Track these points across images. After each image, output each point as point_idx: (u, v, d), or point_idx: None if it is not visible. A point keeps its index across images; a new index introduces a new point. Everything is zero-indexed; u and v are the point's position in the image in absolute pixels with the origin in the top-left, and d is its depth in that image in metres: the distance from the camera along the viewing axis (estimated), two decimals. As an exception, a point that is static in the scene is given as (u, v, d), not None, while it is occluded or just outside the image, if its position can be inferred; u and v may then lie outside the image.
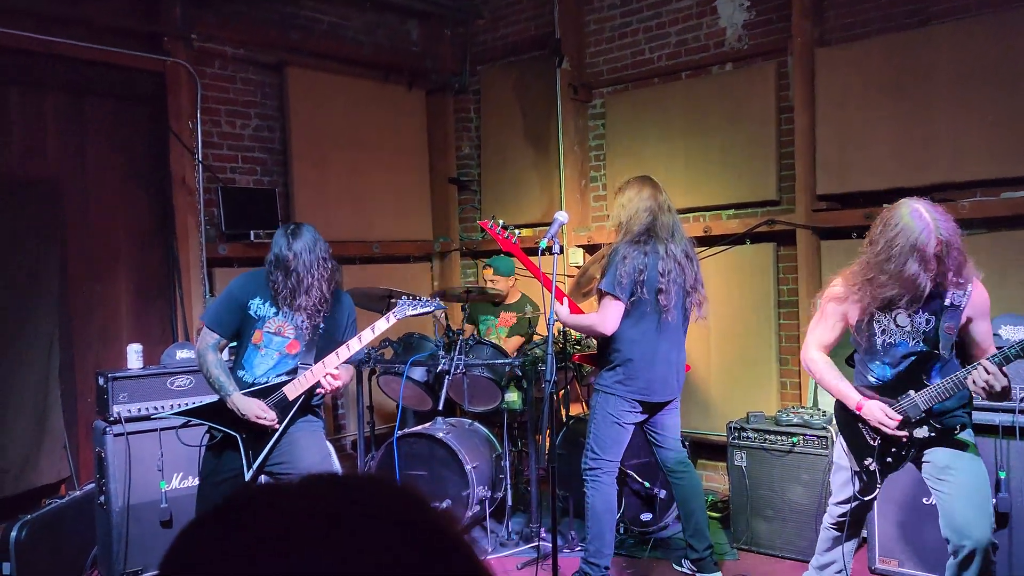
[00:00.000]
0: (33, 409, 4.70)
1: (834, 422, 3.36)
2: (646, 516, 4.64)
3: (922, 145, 4.60)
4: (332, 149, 6.06)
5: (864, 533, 4.21)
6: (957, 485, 2.97)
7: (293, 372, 3.42)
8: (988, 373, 2.82)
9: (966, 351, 3.12)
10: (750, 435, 4.43)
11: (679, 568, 4.25)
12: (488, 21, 6.69)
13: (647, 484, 4.60)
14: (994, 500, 3.68)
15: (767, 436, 4.38)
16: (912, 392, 3.03)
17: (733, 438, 4.51)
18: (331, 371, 3.36)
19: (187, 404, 4.02)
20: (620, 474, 4.50)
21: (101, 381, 4.25)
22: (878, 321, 3.09)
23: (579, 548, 4.33)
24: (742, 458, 4.45)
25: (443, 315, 5.46)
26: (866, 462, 3.16)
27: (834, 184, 4.91)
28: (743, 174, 5.35)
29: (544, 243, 3.65)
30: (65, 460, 4.82)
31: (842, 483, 3.32)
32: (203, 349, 3.46)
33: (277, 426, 3.34)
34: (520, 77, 6.52)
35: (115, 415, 4.17)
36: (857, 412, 3.11)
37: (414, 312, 3.53)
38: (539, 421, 4.70)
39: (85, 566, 4.33)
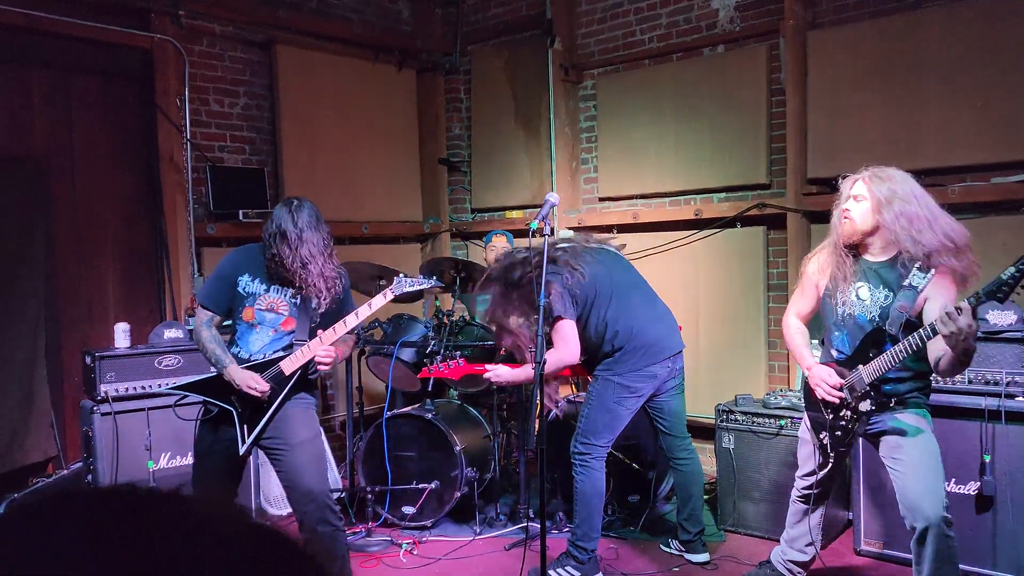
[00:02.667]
0: (19, 388, 4.67)
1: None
2: (633, 498, 4.66)
3: (912, 129, 4.60)
4: (321, 128, 6.02)
5: (849, 515, 4.26)
6: (909, 464, 3.08)
7: (289, 348, 3.41)
8: (958, 312, 2.62)
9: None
10: (738, 418, 4.45)
11: (667, 549, 4.28)
12: (479, 0, 6.64)
13: (635, 465, 4.62)
14: (978, 483, 3.73)
15: (755, 419, 4.40)
16: (860, 366, 3.10)
17: (721, 420, 4.53)
18: (326, 349, 3.34)
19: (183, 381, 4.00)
20: (608, 455, 4.53)
21: (88, 360, 4.24)
22: (842, 291, 3.16)
23: (567, 529, 4.35)
24: (730, 440, 4.47)
25: (433, 297, 5.45)
26: (821, 436, 3.31)
27: (824, 168, 4.90)
28: (734, 157, 5.35)
29: (535, 224, 3.63)
30: (52, 439, 4.81)
31: (806, 456, 3.49)
32: (198, 326, 3.45)
33: (267, 396, 3.33)
34: (511, 57, 6.48)
35: (102, 394, 4.15)
36: (806, 372, 3.27)
37: (411, 289, 3.51)
38: (528, 403, 4.70)
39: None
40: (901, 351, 2.93)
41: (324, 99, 6.03)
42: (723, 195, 5.46)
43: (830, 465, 3.33)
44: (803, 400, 3.46)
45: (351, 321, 3.38)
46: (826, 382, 3.16)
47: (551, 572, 3.86)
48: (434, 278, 3.66)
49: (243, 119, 5.74)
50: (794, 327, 3.43)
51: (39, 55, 4.85)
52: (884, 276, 3.09)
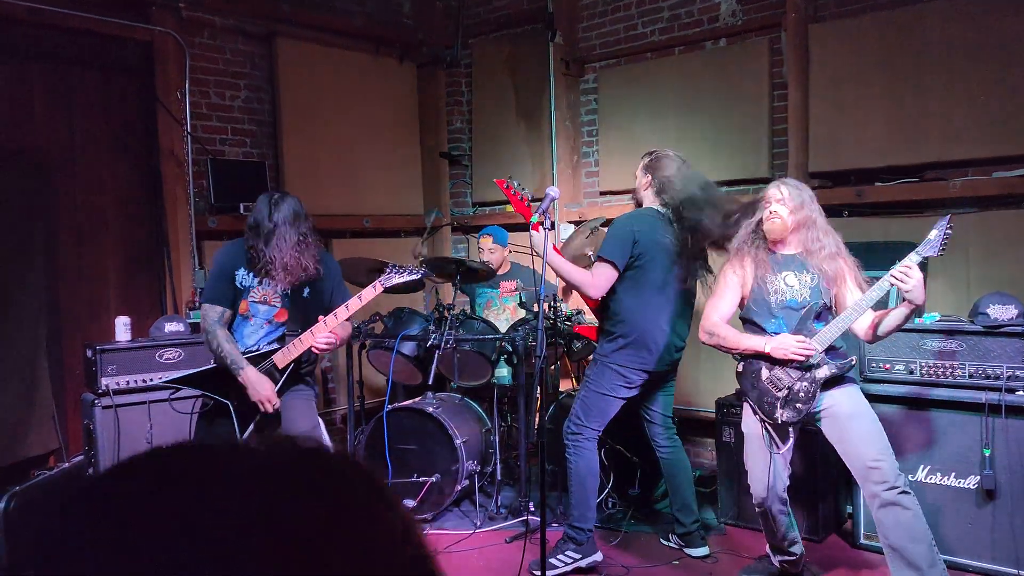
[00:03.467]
0: (21, 381, 4.68)
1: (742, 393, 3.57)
2: (634, 491, 4.67)
3: (914, 123, 4.60)
4: (322, 122, 6.01)
5: (849, 509, 4.26)
6: (863, 432, 3.27)
7: (282, 340, 3.42)
8: (907, 266, 3.02)
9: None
10: (739, 412, 4.45)
11: (666, 543, 4.28)
12: (480, -7, 6.62)
13: (635, 458, 4.63)
14: (978, 477, 3.73)
15: (755, 413, 4.40)
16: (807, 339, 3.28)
17: (722, 415, 4.54)
18: (325, 336, 3.36)
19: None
20: (609, 448, 4.54)
21: (89, 353, 4.24)
22: (771, 282, 3.41)
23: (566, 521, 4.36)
24: (730, 434, 4.48)
25: (434, 290, 5.45)
26: (776, 415, 3.36)
27: (826, 162, 4.90)
28: (735, 151, 5.34)
29: (535, 218, 3.63)
30: (53, 432, 4.81)
31: (755, 452, 3.52)
32: (210, 326, 3.43)
33: (272, 408, 3.34)
34: (512, 51, 6.46)
35: (103, 387, 4.16)
36: (768, 353, 3.35)
37: (400, 280, 3.51)
38: (529, 396, 4.71)
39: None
40: (855, 310, 3.21)
41: (325, 92, 6.02)
42: (724, 189, 5.44)
43: (791, 440, 3.40)
44: (744, 392, 3.51)
45: (341, 314, 3.39)
46: (794, 341, 3.27)
47: (551, 560, 3.87)
48: (424, 267, 3.67)
49: (244, 112, 5.73)
50: (722, 324, 3.53)
51: (39, 48, 4.84)
52: (803, 263, 3.39)
